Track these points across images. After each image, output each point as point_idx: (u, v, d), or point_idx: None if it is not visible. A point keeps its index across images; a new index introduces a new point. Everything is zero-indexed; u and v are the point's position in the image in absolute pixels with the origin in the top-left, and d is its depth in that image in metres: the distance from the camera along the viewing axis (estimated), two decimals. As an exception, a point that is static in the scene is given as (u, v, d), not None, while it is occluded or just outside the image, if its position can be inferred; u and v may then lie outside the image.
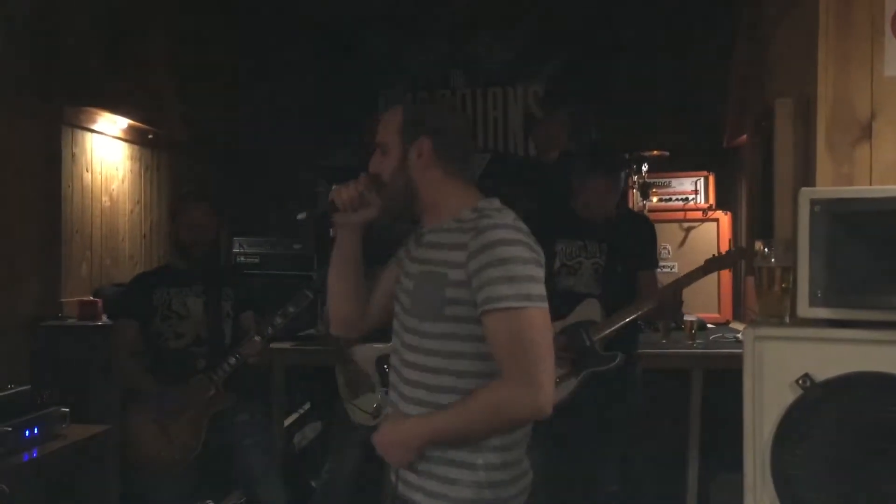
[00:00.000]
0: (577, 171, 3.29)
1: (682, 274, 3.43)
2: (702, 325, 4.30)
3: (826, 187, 2.39)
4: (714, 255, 3.49)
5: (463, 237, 1.72)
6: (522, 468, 1.80)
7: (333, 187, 1.86)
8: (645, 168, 5.00)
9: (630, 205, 4.87)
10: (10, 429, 2.73)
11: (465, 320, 1.72)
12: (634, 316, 3.23)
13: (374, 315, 2.00)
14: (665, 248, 4.73)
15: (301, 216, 1.93)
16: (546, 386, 1.66)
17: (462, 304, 1.71)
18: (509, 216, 1.78)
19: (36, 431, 2.86)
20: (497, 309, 1.65)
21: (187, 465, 3.21)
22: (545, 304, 1.70)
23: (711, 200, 5.08)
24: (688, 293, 3.47)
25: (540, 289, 1.70)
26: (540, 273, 1.72)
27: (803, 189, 1.98)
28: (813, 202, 1.93)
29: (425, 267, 1.79)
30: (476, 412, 1.69)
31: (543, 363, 1.66)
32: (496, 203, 1.83)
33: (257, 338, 3.22)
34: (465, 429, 1.71)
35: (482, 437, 1.72)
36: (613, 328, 3.21)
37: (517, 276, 1.66)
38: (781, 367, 1.90)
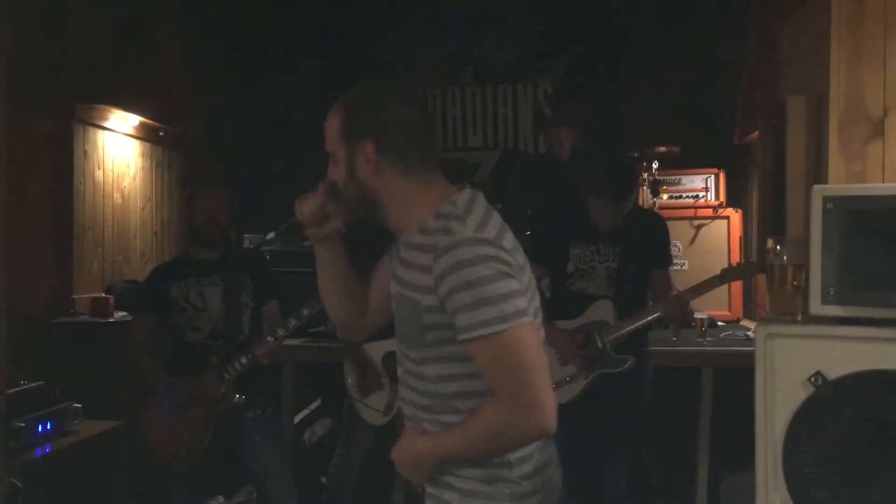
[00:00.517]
0: (586, 187, 3.28)
1: (691, 270, 3.41)
2: (712, 323, 4.29)
3: (838, 185, 2.38)
4: (727, 259, 3.46)
5: (427, 257, 1.61)
6: (548, 473, 1.75)
7: (296, 201, 1.74)
8: (655, 165, 4.99)
9: (640, 202, 4.86)
10: (23, 424, 2.76)
11: (449, 342, 1.62)
12: (645, 321, 3.26)
13: (373, 317, 1.93)
14: (675, 245, 4.71)
15: (269, 236, 1.82)
16: (543, 405, 1.57)
17: (442, 328, 1.62)
18: (473, 221, 1.63)
19: (49, 427, 2.88)
20: (474, 338, 1.56)
21: (197, 460, 3.22)
22: (526, 318, 1.58)
23: (722, 198, 5.06)
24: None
25: (517, 304, 1.57)
26: (515, 284, 1.58)
27: (816, 186, 1.97)
28: (825, 199, 1.92)
29: (401, 289, 1.71)
30: (478, 434, 1.63)
31: (536, 382, 1.56)
32: (461, 203, 1.67)
33: (270, 338, 3.24)
34: (471, 450, 1.66)
35: (491, 456, 1.68)
36: (624, 331, 3.23)
37: (488, 298, 1.54)
38: (793, 365, 1.89)
